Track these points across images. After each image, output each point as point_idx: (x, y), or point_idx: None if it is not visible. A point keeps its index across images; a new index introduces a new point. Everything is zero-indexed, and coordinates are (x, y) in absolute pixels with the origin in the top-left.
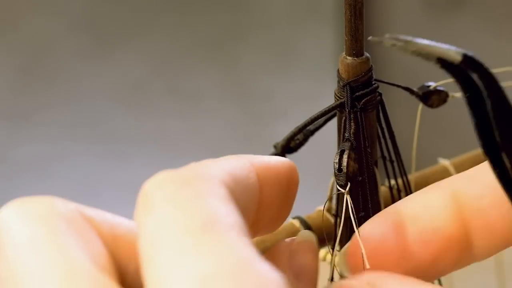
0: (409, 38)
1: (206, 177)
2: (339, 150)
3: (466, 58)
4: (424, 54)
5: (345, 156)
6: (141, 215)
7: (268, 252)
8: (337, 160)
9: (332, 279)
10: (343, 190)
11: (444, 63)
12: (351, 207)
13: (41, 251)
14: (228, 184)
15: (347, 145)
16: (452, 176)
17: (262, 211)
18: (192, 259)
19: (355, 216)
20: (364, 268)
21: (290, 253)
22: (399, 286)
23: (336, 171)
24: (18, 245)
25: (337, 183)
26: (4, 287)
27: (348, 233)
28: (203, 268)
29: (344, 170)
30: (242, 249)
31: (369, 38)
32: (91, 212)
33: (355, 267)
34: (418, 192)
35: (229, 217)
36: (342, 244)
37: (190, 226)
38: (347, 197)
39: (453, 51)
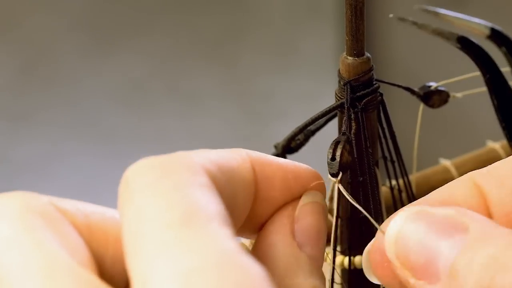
0: (438, 10)
1: (187, 165)
2: (334, 141)
3: (494, 32)
4: (444, 34)
5: (339, 146)
6: (122, 204)
7: (269, 221)
8: (331, 150)
9: (332, 279)
10: (333, 179)
11: (465, 43)
12: (348, 195)
13: (19, 249)
14: (211, 171)
15: (343, 137)
16: (470, 172)
17: (263, 205)
18: (174, 253)
19: (350, 216)
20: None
21: (293, 220)
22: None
23: (329, 160)
24: None
25: (329, 172)
26: None
27: (349, 233)
28: (186, 263)
29: (338, 159)
30: (224, 241)
31: (391, 15)
32: (64, 204)
33: (379, 264)
34: (441, 187)
35: (209, 207)
36: (342, 245)
37: (171, 219)
38: (338, 186)
39: (482, 25)
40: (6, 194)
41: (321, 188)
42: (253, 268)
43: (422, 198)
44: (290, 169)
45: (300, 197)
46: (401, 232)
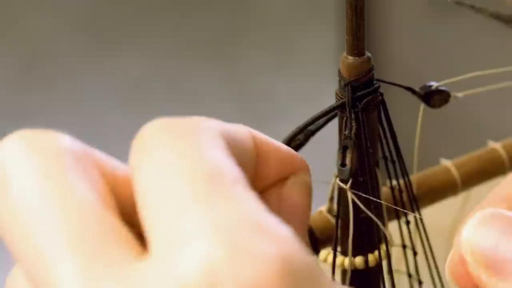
0: None
1: (206, 127)
2: (342, 146)
3: None
4: (502, 17)
5: (349, 152)
6: (137, 160)
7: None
8: (340, 156)
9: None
10: (344, 186)
11: None
12: (358, 201)
13: (49, 187)
14: (226, 138)
15: (350, 142)
16: None
17: (256, 182)
18: (202, 208)
19: (357, 212)
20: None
21: (281, 196)
22: None
23: (339, 166)
24: (26, 180)
25: (340, 179)
26: (8, 221)
27: (348, 233)
28: (216, 218)
29: (349, 165)
30: (252, 202)
31: None
32: (95, 152)
33: (462, 276)
34: (500, 184)
35: (233, 169)
36: (342, 245)
37: (196, 176)
38: (350, 192)
39: None
40: (42, 131)
41: (308, 172)
42: (283, 230)
43: (486, 200)
44: (284, 150)
45: (288, 177)
46: (475, 237)
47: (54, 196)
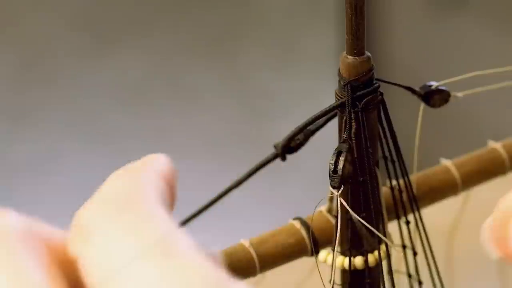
0: None
1: (142, 194)
2: (336, 151)
3: None
4: None
5: (341, 158)
6: (80, 246)
7: None
8: (333, 161)
9: (333, 280)
10: (335, 192)
11: None
12: (348, 207)
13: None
14: (164, 179)
15: (344, 146)
16: None
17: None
18: (162, 283)
19: (351, 217)
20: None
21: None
22: None
23: (331, 172)
24: None
25: (331, 184)
26: None
27: (349, 234)
28: (173, 285)
29: (340, 172)
30: (211, 269)
31: None
32: (40, 226)
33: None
34: None
35: (181, 236)
36: (342, 246)
37: (147, 251)
38: (340, 199)
39: None
40: None
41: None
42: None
43: None
44: (168, 169)
45: None
46: None
47: (3, 277)
